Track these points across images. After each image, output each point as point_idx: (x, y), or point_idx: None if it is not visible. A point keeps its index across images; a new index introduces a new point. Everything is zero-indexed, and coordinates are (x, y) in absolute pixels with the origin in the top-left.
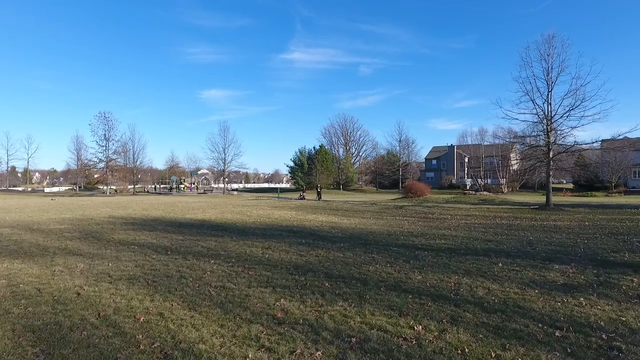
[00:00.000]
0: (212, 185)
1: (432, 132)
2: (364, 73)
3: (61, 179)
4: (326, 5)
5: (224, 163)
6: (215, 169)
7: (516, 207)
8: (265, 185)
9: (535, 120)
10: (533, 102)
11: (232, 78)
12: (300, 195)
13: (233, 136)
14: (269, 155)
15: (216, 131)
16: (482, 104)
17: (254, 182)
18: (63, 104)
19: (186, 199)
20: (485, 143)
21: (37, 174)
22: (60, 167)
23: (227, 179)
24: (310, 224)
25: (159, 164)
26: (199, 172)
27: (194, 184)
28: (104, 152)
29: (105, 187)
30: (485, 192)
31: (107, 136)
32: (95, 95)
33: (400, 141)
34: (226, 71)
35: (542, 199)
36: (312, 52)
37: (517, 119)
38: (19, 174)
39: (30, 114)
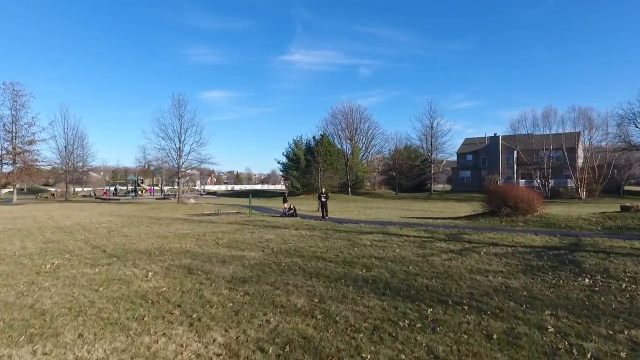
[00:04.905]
0: (196, 186)
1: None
2: (364, 74)
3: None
4: (326, 8)
5: (178, 155)
6: (166, 164)
7: None
8: (259, 187)
9: None
10: None
11: (232, 79)
12: (290, 207)
13: (193, 116)
14: (269, 156)
15: (167, 107)
16: (482, 105)
17: (247, 184)
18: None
19: (67, 212)
20: (552, 131)
21: None
22: None
23: (215, 180)
24: None
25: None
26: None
27: (156, 185)
28: (11, 142)
29: (55, 190)
30: None
31: (15, 118)
32: (94, 95)
33: (432, 127)
34: (226, 73)
35: None
36: (312, 53)
37: None
38: None
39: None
